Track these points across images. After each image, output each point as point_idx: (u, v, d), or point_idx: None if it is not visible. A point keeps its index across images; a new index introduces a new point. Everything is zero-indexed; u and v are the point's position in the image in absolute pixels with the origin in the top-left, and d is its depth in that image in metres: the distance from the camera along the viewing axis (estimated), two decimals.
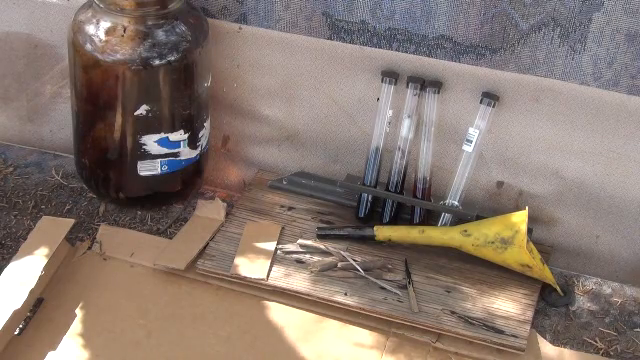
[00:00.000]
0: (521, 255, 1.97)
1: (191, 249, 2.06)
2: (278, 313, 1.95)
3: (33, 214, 2.17)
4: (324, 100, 2.17)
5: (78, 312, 1.92)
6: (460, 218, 2.10)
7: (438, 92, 2.05)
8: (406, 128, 2.08)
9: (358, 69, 2.11)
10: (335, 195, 2.22)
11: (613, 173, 2.04)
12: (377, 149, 2.11)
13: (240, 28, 2.14)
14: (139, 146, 2.07)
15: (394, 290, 1.98)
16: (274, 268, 2.02)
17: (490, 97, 2.02)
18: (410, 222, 2.15)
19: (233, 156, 2.31)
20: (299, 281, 1.99)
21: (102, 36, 1.99)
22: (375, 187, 2.14)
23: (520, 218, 1.99)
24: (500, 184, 2.14)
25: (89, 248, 2.07)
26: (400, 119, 2.08)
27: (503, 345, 1.89)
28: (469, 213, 2.09)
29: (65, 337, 1.86)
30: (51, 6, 2.22)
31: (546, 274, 2.01)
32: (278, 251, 2.06)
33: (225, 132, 2.29)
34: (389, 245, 2.09)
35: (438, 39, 2.02)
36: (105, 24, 1.99)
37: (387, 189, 2.13)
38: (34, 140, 2.39)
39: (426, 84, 2.05)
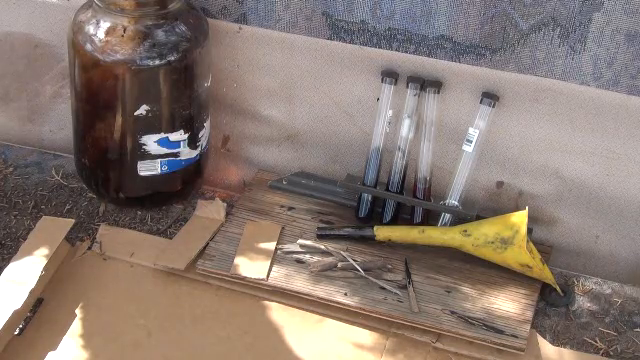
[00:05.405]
0: (521, 255, 1.97)
1: (191, 249, 2.06)
2: (278, 313, 1.95)
3: (33, 214, 2.17)
4: (324, 100, 2.17)
5: (78, 312, 1.92)
6: (460, 218, 2.10)
7: (438, 92, 2.05)
8: (406, 128, 2.08)
9: (358, 69, 2.11)
10: (335, 195, 2.21)
11: (613, 173, 2.04)
12: (377, 149, 2.11)
13: (240, 28, 2.14)
14: (139, 146, 2.07)
15: (394, 290, 1.98)
16: (274, 268, 2.02)
17: (490, 97, 2.02)
18: (410, 222, 2.15)
19: (233, 156, 2.31)
20: (299, 281, 1.99)
21: (102, 36, 1.99)
22: (375, 187, 2.14)
23: (520, 218, 1.99)
24: (500, 184, 2.14)
25: (89, 248, 2.07)
26: (400, 119, 2.08)
27: (503, 345, 1.89)
28: (469, 213, 2.09)
29: (65, 337, 1.86)
30: (51, 6, 2.22)
31: (546, 274, 2.01)
32: (278, 251, 2.06)
33: (225, 132, 2.29)
34: (389, 245, 2.09)
35: (438, 39, 2.02)
36: (105, 24, 1.99)
37: (387, 189, 2.13)
38: (34, 140, 2.39)
39: (426, 84, 2.05)
